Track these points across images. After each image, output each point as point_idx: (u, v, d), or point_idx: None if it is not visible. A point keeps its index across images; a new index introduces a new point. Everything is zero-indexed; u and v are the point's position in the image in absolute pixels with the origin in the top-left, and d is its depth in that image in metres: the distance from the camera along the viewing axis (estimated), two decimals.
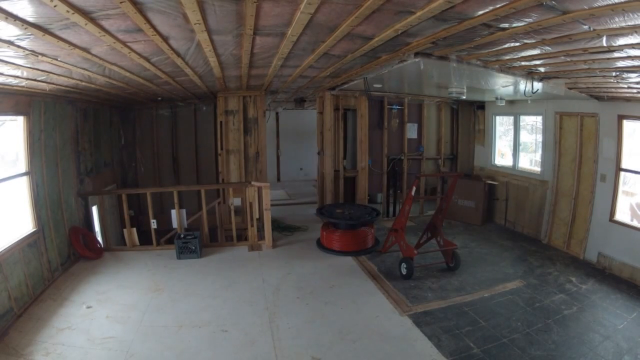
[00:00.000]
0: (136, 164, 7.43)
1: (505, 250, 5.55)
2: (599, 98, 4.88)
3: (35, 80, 3.20)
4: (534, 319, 3.60)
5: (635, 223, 4.84)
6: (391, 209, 7.56)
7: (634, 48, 2.39)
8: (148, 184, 7.26)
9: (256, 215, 5.53)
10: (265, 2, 1.87)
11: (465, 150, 7.95)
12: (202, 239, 5.31)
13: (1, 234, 3.54)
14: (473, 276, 4.53)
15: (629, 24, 1.95)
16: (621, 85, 3.79)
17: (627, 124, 4.82)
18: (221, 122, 6.17)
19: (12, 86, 3.32)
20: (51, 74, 3.07)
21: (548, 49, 2.68)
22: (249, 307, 3.73)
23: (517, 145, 6.97)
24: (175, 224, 5.47)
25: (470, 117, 7.91)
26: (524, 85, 4.16)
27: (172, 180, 7.47)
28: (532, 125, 6.90)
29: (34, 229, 3.99)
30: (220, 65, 3.49)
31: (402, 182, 7.46)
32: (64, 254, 4.55)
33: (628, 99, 4.60)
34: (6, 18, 1.71)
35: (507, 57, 3.18)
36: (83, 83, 3.65)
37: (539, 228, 6.14)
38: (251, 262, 4.88)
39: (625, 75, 3.28)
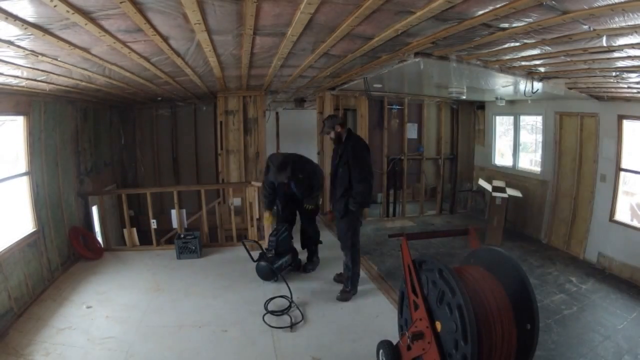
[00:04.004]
0: (136, 164, 7.43)
1: (505, 250, 5.54)
2: (599, 98, 4.88)
3: (35, 80, 3.20)
4: None
5: (635, 223, 4.84)
6: (391, 209, 7.57)
7: (634, 48, 2.39)
8: (148, 184, 7.26)
9: (256, 215, 5.52)
10: (265, 2, 1.87)
11: (465, 150, 7.96)
12: (202, 239, 5.31)
13: (1, 234, 3.54)
14: None
15: (629, 24, 1.95)
16: (621, 85, 3.79)
17: (627, 124, 4.82)
18: (221, 122, 6.17)
19: (12, 86, 3.32)
20: (51, 74, 3.07)
21: (548, 49, 2.68)
22: (249, 307, 3.72)
23: (517, 145, 6.98)
24: (175, 224, 5.46)
25: (470, 117, 7.92)
26: (524, 85, 4.16)
27: (172, 180, 7.47)
28: (532, 125, 6.91)
29: (34, 229, 3.99)
30: (220, 65, 3.49)
31: (402, 182, 7.46)
32: (64, 254, 4.55)
33: (628, 99, 4.61)
34: (6, 18, 1.70)
35: (507, 57, 3.18)
36: (83, 83, 3.65)
37: (539, 228, 6.14)
38: (251, 262, 4.87)
39: (625, 75, 3.29)
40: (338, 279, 4.21)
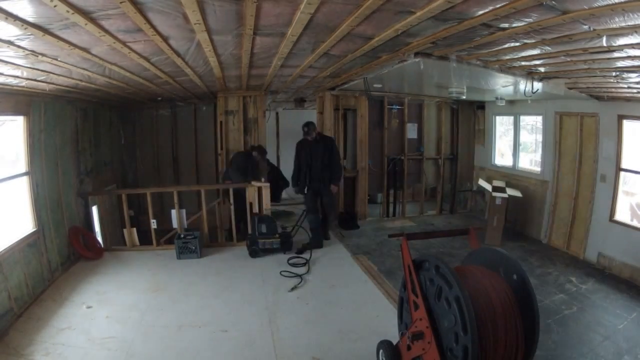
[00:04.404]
0: (136, 164, 7.43)
1: (505, 250, 5.55)
2: (599, 98, 4.88)
3: (35, 80, 3.20)
4: None
5: (635, 223, 4.84)
6: (391, 209, 7.56)
7: (634, 48, 2.39)
8: (148, 184, 7.25)
9: None
10: (265, 2, 1.87)
11: (465, 150, 7.95)
12: (202, 239, 5.31)
13: (1, 234, 3.54)
14: None
15: (629, 24, 1.95)
16: (621, 85, 3.79)
17: (627, 124, 4.82)
18: (221, 122, 6.17)
19: (12, 86, 3.32)
20: (51, 74, 3.07)
21: (548, 49, 2.68)
22: (249, 307, 3.73)
23: (517, 145, 6.98)
24: (175, 224, 5.47)
25: (470, 117, 7.91)
26: (524, 85, 4.16)
27: (172, 180, 7.47)
28: (532, 125, 6.91)
29: (34, 229, 3.99)
30: (220, 65, 3.49)
31: (402, 182, 7.46)
32: (64, 254, 4.55)
33: (628, 99, 4.61)
34: (6, 18, 1.71)
35: (507, 57, 3.18)
36: (83, 83, 3.65)
37: (539, 228, 6.14)
38: (251, 262, 4.88)
39: (625, 75, 3.29)
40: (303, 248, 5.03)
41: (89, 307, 3.68)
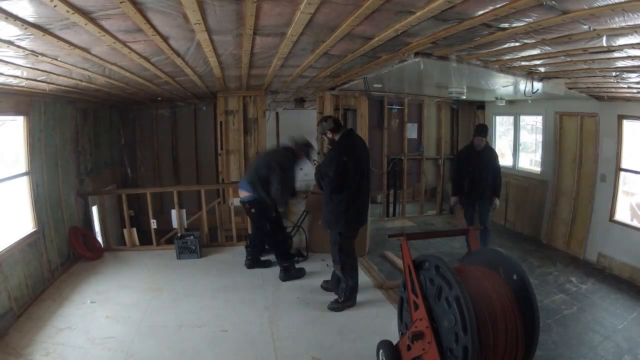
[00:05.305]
0: (136, 164, 7.43)
1: (505, 250, 5.55)
2: (599, 98, 4.88)
3: (35, 80, 3.20)
4: None
5: (635, 223, 4.85)
6: (391, 209, 7.56)
7: (634, 48, 2.39)
8: (148, 184, 7.26)
9: None
10: (265, 2, 1.87)
11: None
12: (202, 239, 5.31)
13: (1, 234, 3.54)
14: None
15: (629, 24, 1.95)
16: (621, 85, 3.79)
17: (627, 124, 4.82)
18: (221, 122, 6.17)
19: (12, 86, 3.32)
20: (51, 74, 3.07)
21: (548, 49, 2.68)
22: (249, 307, 3.73)
23: (517, 145, 6.98)
24: (175, 224, 5.47)
25: (470, 117, 7.92)
26: (524, 85, 4.16)
27: (172, 180, 7.47)
28: (532, 125, 6.91)
29: (34, 229, 3.99)
30: (220, 65, 3.49)
31: (402, 182, 7.46)
32: (64, 254, 4.55)
33: (628, 99, 4.61)
34: (6, 18, 1.70)
35: (507, 57, 3.18)
36: (83, 83, 3.65)
37: (539, 228, 6.14)
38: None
39: (625, 75, 3.29)
40: (325, 286, 4.06)
41: (92, 302, 3.71)
